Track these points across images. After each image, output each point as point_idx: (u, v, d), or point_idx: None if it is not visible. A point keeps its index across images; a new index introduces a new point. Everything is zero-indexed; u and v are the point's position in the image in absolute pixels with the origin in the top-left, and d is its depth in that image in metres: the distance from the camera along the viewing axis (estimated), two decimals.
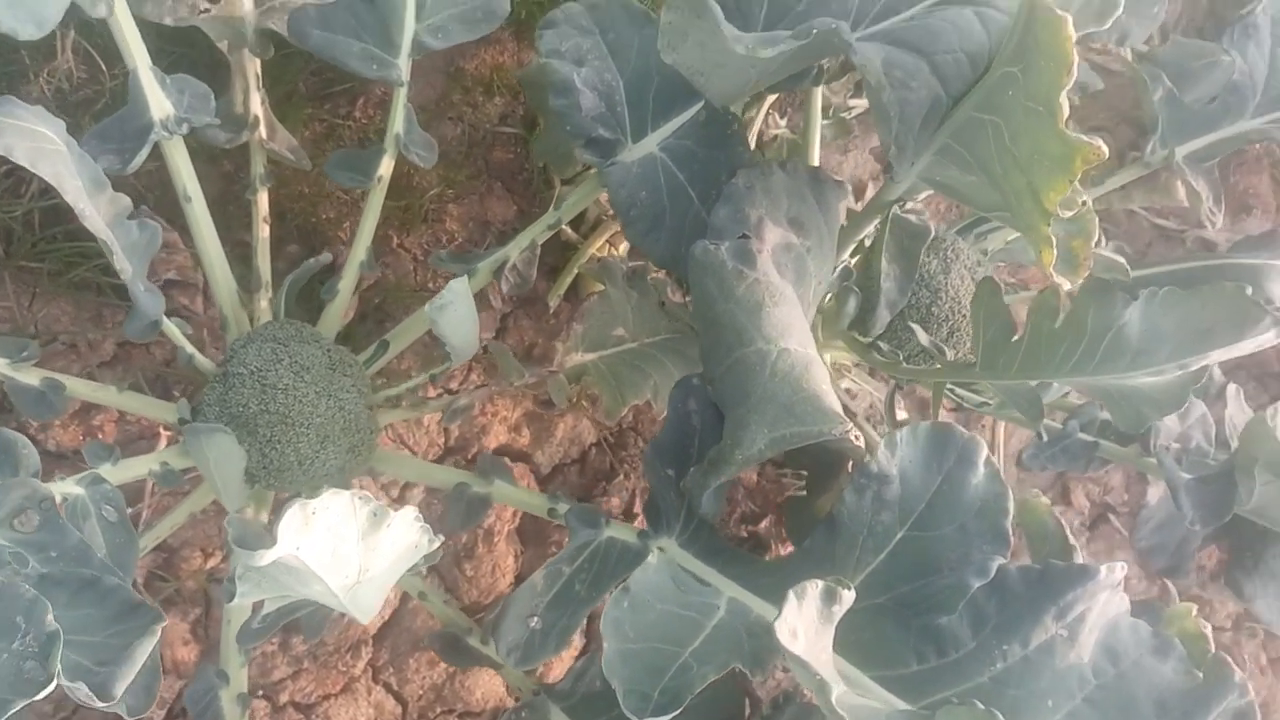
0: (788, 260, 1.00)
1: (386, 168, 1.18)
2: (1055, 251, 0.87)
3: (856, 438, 0.90)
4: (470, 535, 1.85)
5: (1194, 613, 0.92)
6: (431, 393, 1.68)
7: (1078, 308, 1.08)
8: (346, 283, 1.22)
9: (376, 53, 1.12)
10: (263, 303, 1.25)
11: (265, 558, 0.61)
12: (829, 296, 1.40)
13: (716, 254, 0.95)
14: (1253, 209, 2.96)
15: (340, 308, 1.23)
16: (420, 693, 1.82)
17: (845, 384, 1.72)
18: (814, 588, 0.74)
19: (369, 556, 0.70)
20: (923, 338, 1.28)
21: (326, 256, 1.17)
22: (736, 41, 0.84)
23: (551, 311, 1.96)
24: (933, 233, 1.16)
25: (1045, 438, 1.36)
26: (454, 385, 1.90)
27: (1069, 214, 0.82)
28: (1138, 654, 0.87)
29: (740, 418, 0.91)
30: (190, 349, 1.11)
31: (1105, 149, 0.76)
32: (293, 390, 1.08)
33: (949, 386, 1.55)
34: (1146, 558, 1.42)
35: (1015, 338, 1.16)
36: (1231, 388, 1.67)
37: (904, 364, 1.39)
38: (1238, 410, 1.62)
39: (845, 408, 1.46)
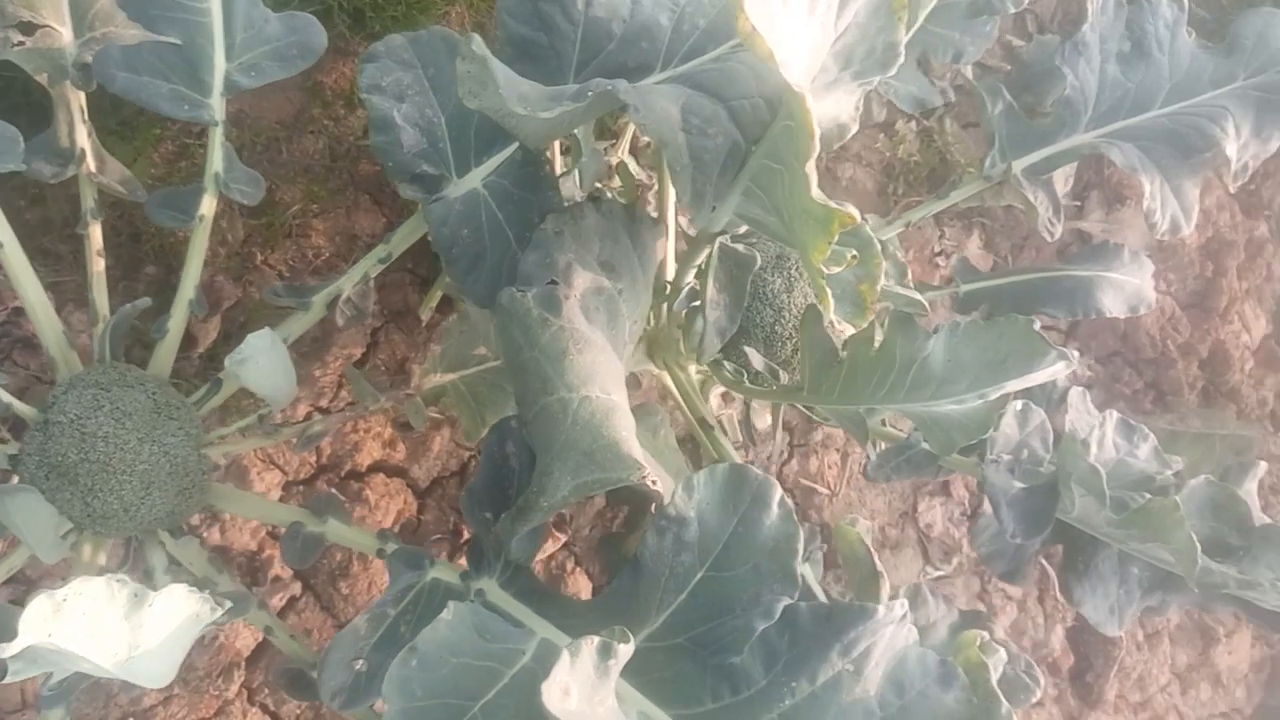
0: (599, 303, 1.02)
1: (208, 207, 1.17)
2: (831, 300, 0.90)
3: (653, 483, 0.92)
4: (344, 553, 1.86)
5: (978, 642, 0.97)
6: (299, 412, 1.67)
7: (887, 340, 1.12)
8: (176, 322, 1.21)
9: (187, 93, 1.11)
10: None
11: (9, 650, 0.62)
12: (684, 313, 1.42)
13: (523, 302, 0.96)
14: (1126, 200, 3.07)
15: (170, 347, 1.21)
16: (298, 712, 1.83)
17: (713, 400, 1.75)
18: (589, 644, 0.76)
19: (138, 634, 0.71)
20: (756, 361, 1.31)
21: (145, 301, 1.16)
22: (518, 103, 0.85)
23: (424, 324, 1.95)
24: (758, 262, 1.18)
25: (874, 455, 1.41)
26: (323, 404, 1.89)
27: (836, 269, 0.85)
28: (923, 684, 0.91)
29: (545, 465, 0.93)
30: (7, 398, 1.09)
31: (856, 216, 0.79)
32: (113, 438, 1.07)
33: None
34: (986, 564, 1.48)
35: (838, 361, 1.20)
36: (1075, 392, 1.73)
37: (746, 384, 1.42)
38: (1079, 415, 1.68)
39: (709, 419, 1.49)
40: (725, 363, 1.44)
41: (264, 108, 1.78)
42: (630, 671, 0.91)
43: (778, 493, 0.94)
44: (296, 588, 1.81)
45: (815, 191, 0.76)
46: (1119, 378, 3.04)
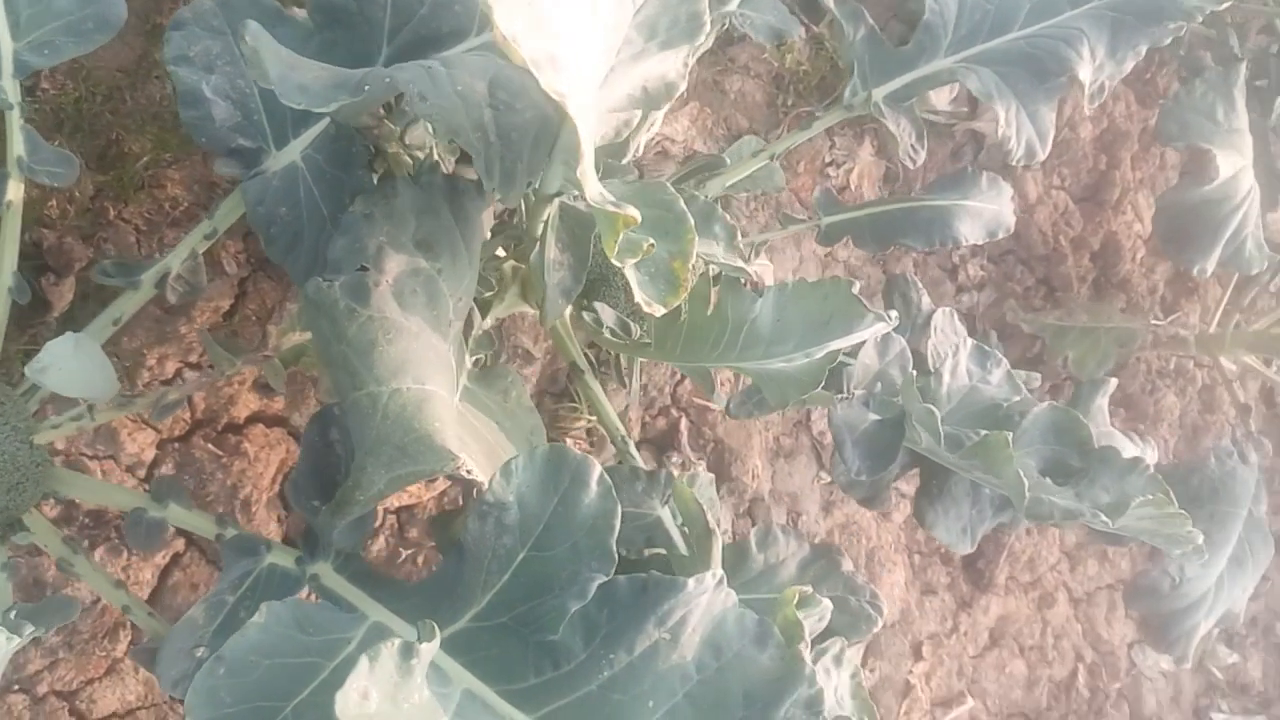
0: (416, 285, 1.00)
1: (15, 192, 1.12)
2: (640, 279, 0.90)
3: (468, 473, 0.94)
4: (226, 505, 1.86)
5: (794, 599, 1.01)
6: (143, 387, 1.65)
7: (720, 301, 1.13)
8: None
9: None
10: None
11: None
12: None
13: (329, 292, 0.95)
14: None
15: None
16: None
17: None
18: (389, 647, 0.78)
19: None
20: (607, 316, 1.31)
21: None
22: (296, 94, 0.82)
23: None
24: None
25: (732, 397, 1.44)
26: (193, 359, 1.86)
27: (633, 260, 0.85)
28: (740, 645, 0.96)
29: (360, 460, 0.93)
30: None
31: (637, 217, 0.78)
32: None
33: None
34: (846, 492, 1.53)
35: (679, 321, 1.21)
36: (939, 315, 1.77)
37: (605, 335, 1.43)
38: (944, 338, 1.72)
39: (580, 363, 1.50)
40: (584, 314, 1.44)
41: (102, 56, 1.68)
42: (458, 650, 0.94)
43: (596, 470, 0.96)
44: (180, 544, 1.82)
45: (593, 194, 0.75)
46: (1011, 276, 3.10)
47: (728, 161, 1.60)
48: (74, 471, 1.26)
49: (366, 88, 0.81)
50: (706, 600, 0.94)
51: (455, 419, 0.97)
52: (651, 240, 0.85)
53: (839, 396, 1.41)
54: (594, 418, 1.76)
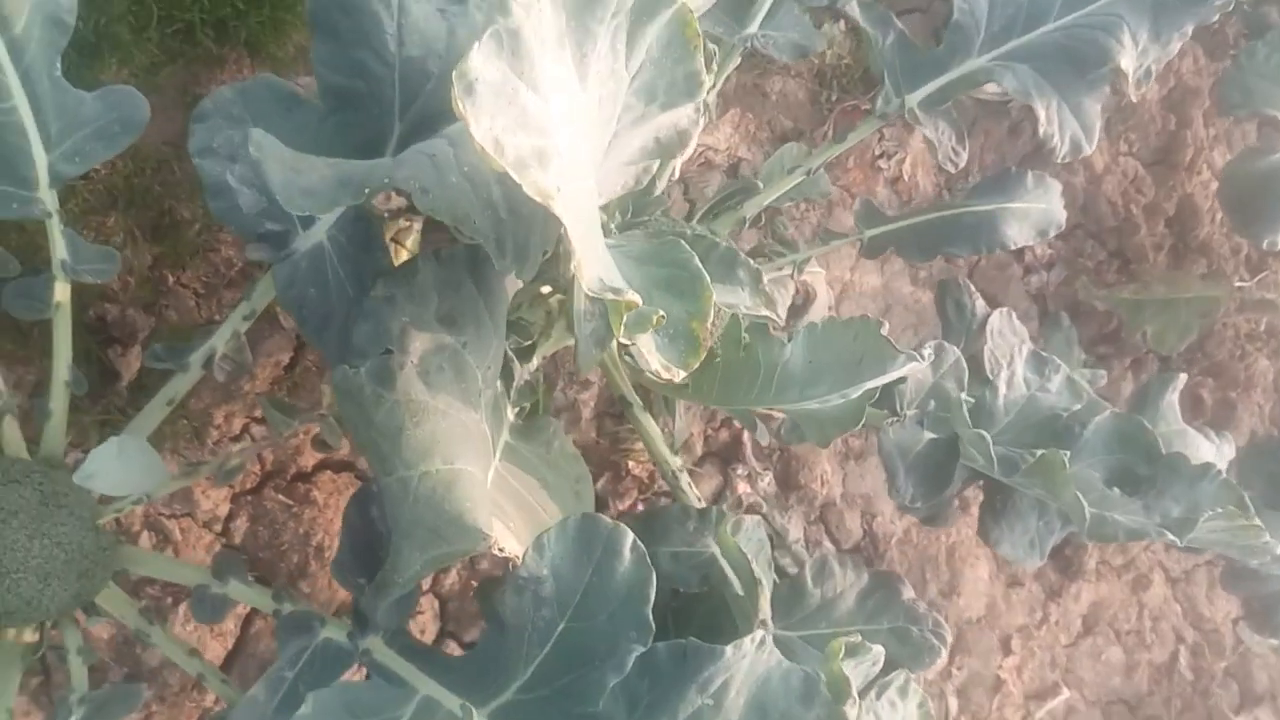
0: (442, 361, 1.02)
1: (62, 293, 1.17)
2: (659, 343, 0.90)
3: (500, 550, 0.94)
4: (300, 554, 1.91)
5: (840, 653, 1.00)
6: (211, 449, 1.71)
7: (749, 347, 1.11)
8: (57, 403, 1.22)
9: (13, 192, 1.09)
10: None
11: None
12: None
13: (356, 379, 0.96)
14: None
15: (58, 427, 1.23)
16: None
17: None
18: None
19: None
20: (651, 360, 1.31)
21: None
22: (300, 198, 0.84)
23: None
24: None
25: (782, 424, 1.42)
26: (258, 413, 1.91)
27: (643, 335, 0.84)
28: (786, 705, 0.95)
29: (396, 542, 0.95)
30: None
31: (637, 300, 0.77)
32: (1, 539, 1.10)
33: None
34: (907, 513, 1.50)
35: (714, 363, 1.20)
36: (995, 318, 1.72)
37: (647, 375, 1.43)
38: (1002, 342, 1.67)
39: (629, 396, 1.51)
40: (625, 357, 1.44)
41: (148, 133, 1.73)
42: None
43: (628, 539, 0.95)
44: None
45: (590, 285, 0.75)
46: (1081, 251, 2.99)
47: (761, 186, 1.58)
48: (140, 549, 1.31)
49: (366, 190, 0.82)
50: (749, 662, 0.94)
51: (487, 495, 0.98)
52: (661, 312, 0.85)
53: (890, 420, 1.39)
54: None
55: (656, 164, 1.05)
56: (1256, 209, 2.15)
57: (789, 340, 1.09)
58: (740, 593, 1.28)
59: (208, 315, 1.87)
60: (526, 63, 0.72)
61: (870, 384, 1.07)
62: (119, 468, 1.02)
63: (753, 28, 1.49)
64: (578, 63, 0.80)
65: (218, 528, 1.86)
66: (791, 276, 1.67)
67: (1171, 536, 1.22)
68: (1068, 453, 1.27)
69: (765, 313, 1.06)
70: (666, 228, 1.48)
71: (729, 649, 0.91)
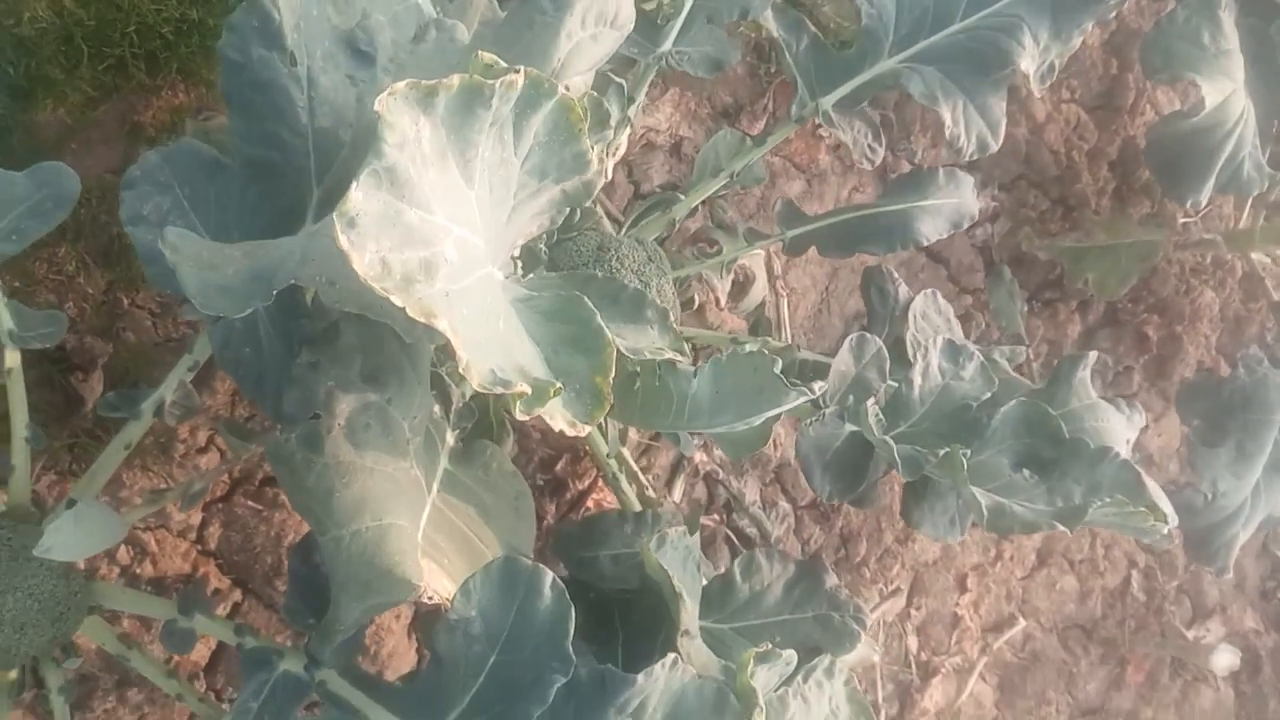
0: (368, 419, 1.09)
1: (13, 360, 1.24)
2: (565, 399, 0.97)
3: (430, 598, 1.04)
4: (274, 556, 2.01)
5: (750, 664, 1.10)
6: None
7: (661, 378, 1.19)
8: (19, 458, 1.30)
9: None
10: None
11: None
12: None
13: (287, 446, 1.04)
14: None
15: (22, 480, 1.31)
16: None
17: None
18: None
19: None
20: (556, 421, 1.38)
21: None
22: (218, 297, 0.90)
23: None
24: None
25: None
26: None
27: (541, 409, 0.92)
28: (701, 717, 1.05)
29: (335, 594, 1.04)
30: None
31: (527, 389, 0.85)
32: None
33: None
34: (830, 499, 1.59)
35: (634, 389, 1.28)
36: (918, 301, 1.80)
37: None
38: (925, 326, 1.76)
39: None
40: None
41: (87, 162, 1.78)
42: None
43: (548, 578, 1.05)
44: (238, 594, 1.98)
45: (481, 383, 0.83)
46: (1025, 202, 3.05)
47: (681, 198, 1.64)
48: (111, 585, 1.40)
49: (274, 291, 0.89)
50: (664, 681, 1.04)
51: (417, 545, 1.07)
52: (558, 384, 0.92)
53: (809, 420, 1.47)
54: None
55: (566, 210, 1.12)
56: (1180, 171, 2.21)
57: (696, 374, 1.17)
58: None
59: (165, 333, 1.93)
60: (407, 187, 0.79)
61: (770, 413, 1.15)
62: (77, 535, 1.10)
63: (666, 45, 1.54)
64: (462, 168, 0.87)
65: (192, 536, 1.96)
66: (723, 271, 1.74)
67: (1062, 528, 1.32)
68: (968, 451, 1.36)
69: (670, 356, 1.13)
70: (589, 248, 1.55)
71: (642, 676, 1.01)
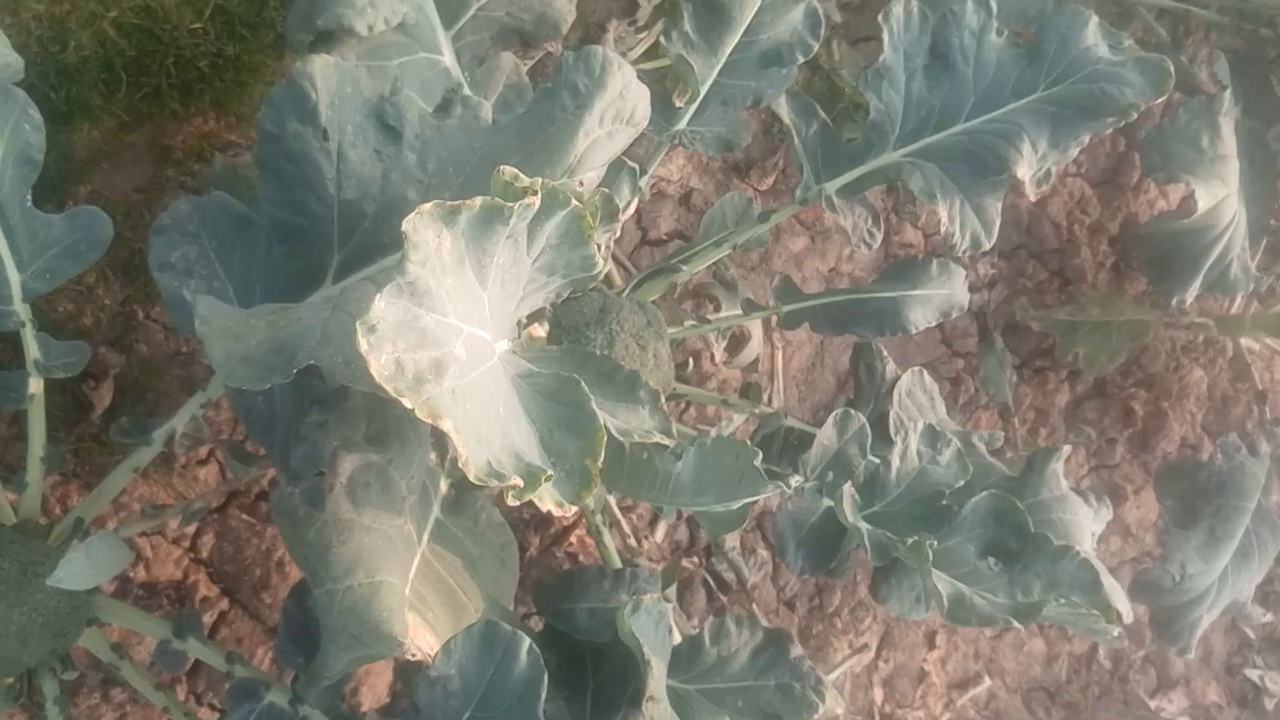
0: (369, 478, 1.16)
1: (36, 386, 1.30)
2: (556, 478, 1.04)
3: (412, 656, 1.10)
4: (263, 568, 2.07)
5: None
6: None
7: (648, 457, 1.26)
8: (33, 475, 1.36)
9: None
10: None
11: None
12: None
13: (291, 500, 1.11)
14: None
15: (34, 497, 1.38)
16: None
17: None
18: None
19: None
20: (545, 502, 1.45)
21: None
22: (240, 367, 0.97)
23: None
24: None
25: None
26: (224, 436, 2.06)
27: (531, 495, 0.98)
28: None
29: (324, 644, 1.11)
30: None
31: (520, 482, 0.92)
32: None
33: None
34: (806, 573, 1.65)
35: (622, 459, 1.35)
36: (905, 379, 1.87)
37: None
38: (910, 404, 1.82)
39: None
40: None
41: (116, 181, 1.85)
42: None
43: (525, 644, 1.11)
44: (224, 603, 2.05)
45: (478, 475, 0.89)
46: (1023, 271, 3.12)
47: (682, 270, 1.71)
48: (111, 600, 1.46)
49: (294, 371, 0.96)
50: None
51: (405, 601, 1.14)
52: (550, 471, 0.99)
53: (787, 495, 1.54)
54: None
55: (571, 286, 1.19)
56: (1169, 268, 2.28)
57: (681, 455, 1.24)
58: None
59: (175, 348, 2.00)
60: (425, 296, 0.86)
61: (749, 499, 1.22)
62: (87, 566, 1.17)
63: (681, 124, 1.61)
64: (478, 272, 0.94)
65: (186, 544, 2.02)
66: (712, 340, 1.81)
67: (1016, 623, 1.39)
68: (934, 541, 1.43)
69: (659, 439, 1.20)
70: (592, 310, 1.61)
71: None
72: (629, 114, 1.23)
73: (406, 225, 0.81)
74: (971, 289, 3.11)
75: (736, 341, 2.38)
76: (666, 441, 1.20)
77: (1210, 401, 3.61)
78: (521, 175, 0.96)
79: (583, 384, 1.12)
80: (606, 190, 1.20)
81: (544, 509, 1.04)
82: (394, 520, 1.19)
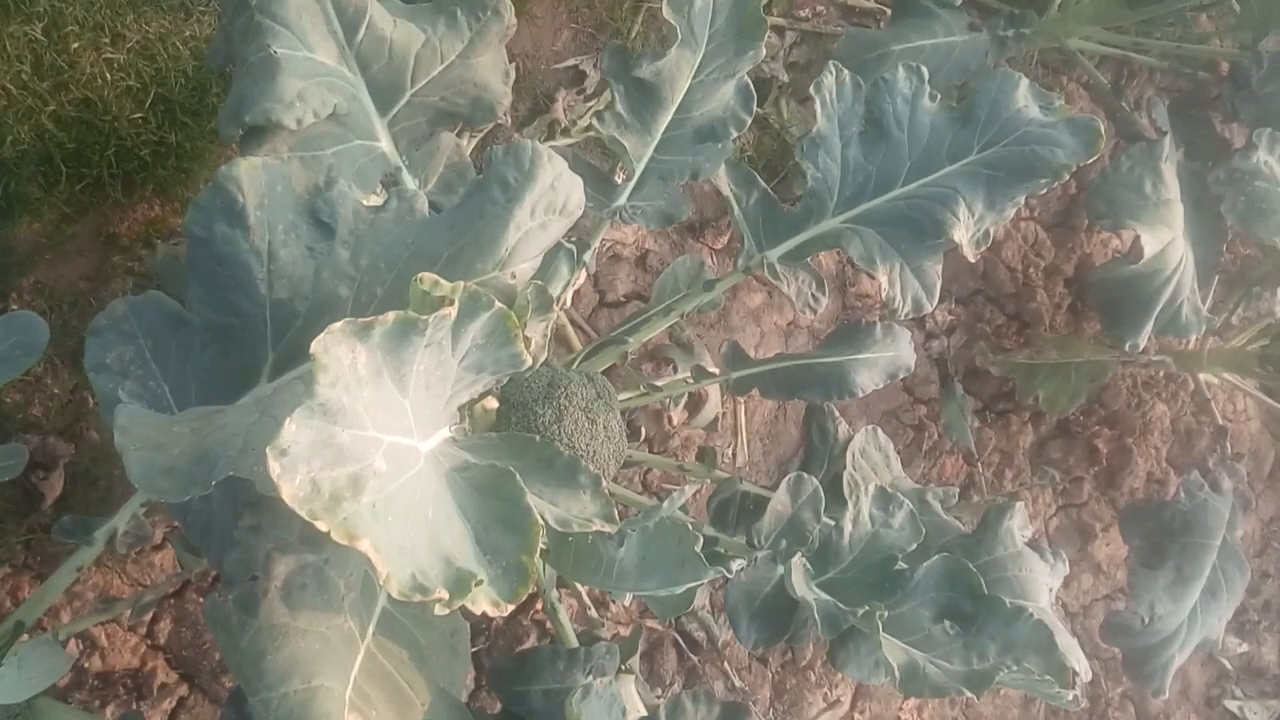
0: (305, 579, 1.15)
1: None
2: (492, 575, 1.03)
3: None
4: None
5: None
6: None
7: (592, 540, 1.26)
8: None
9: None
10: None
11: None
12: None
13: (224, 608, 1.10)
14: None
15: None
16: None
17: None
18: None
19: None
20: (479, 604, 1.44)
21: None
22: (161, 478, 0.96)
23: None
24: None
25: None
26: (176, 523, 2.03)
27: (463, 601, 0.98)
28: None
29: None
30: None
31: (446, 595, 0.91)
32: None
33: None
34: (759, 647, 1.64)
35: (568, 543, 1.34)
36: (858, 439, 1.87)
37: None
38: (864, 464, 1.83)
39: None
40: None
41: (61, 271, 1.85)
42: None
43: None
44: (184, 689, 2.02)
45: (400, 592, 0.89)
46: (980, 316, 3.15)
47: (630, 341, 1.71)
48: (58, 705, 1.44)
49: (213, 482, 0.95)
50: None
51: (344, 705, 1.12)
52: (481, 576, 0.99)
53: (740, 568, 1.53)
54: None
55: (506, 376, 1.19)
56: (1121, 313, 2.31)
57: (624, 541, 1.23)
58: None
59: None
60: (340, 414, 0.86)
61: (693, 584, 1.22)
62: (20, 679, 1.15)
63: (621, 200, 1.62)
64: (397, 382, 0.94)
65: (143, 630, 1.99)
66: (667, 404, 1.81)
67: (969, 693, 1.39)
68: (885, 612, 1.43)
69: (600, 527, 1.19)
70: (540, 385, 1.61)
71: None
72: (561, 204, 1.24)
73: (315, 346, 0.81)
74: (930, 335, 3.16)
75: (696, 401, 2.38)
76: (607, 529, 1.20)
77: (1174, 435, 3.63)
78: (441, 282, 0.96)
79: (517, 477, 1.12)
80: (540, 283, 1.21)
81: (478, 611, 1.04)
82: (333, 620, 1.18)
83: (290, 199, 1.22)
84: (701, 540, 1.18)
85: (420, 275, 0.94)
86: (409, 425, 0.98)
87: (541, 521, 1.12)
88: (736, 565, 1.21)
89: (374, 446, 0.91)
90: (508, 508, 1.11)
